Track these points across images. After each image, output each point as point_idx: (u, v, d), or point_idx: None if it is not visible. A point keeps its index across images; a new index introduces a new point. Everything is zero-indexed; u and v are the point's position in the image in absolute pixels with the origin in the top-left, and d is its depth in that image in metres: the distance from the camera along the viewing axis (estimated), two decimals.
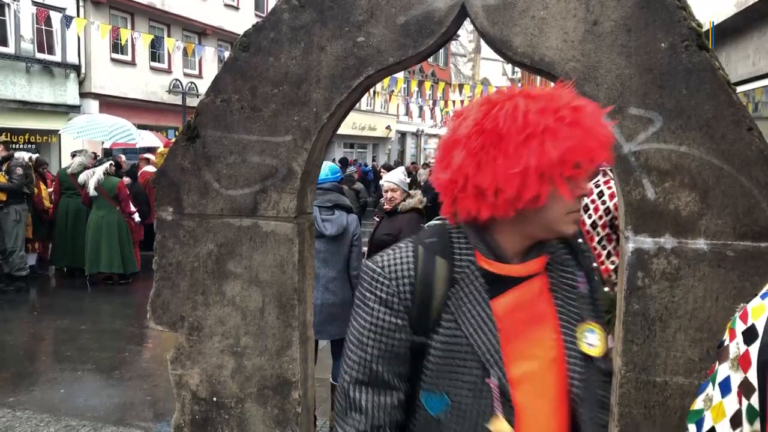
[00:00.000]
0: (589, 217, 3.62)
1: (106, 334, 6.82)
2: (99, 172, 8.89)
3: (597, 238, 3.56)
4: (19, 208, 8.34)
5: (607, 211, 3.55)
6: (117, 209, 9.04)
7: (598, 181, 3.66)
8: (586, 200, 3.52)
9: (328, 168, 4.57)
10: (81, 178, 8.89)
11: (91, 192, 8.76)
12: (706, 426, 1.33)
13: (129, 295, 8.64)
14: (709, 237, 2.42)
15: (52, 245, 9.59)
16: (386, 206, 4.65)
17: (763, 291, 1.30)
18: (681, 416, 2.43)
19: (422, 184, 14.01)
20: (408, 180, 4.80)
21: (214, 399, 2.92)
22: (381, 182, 4.83)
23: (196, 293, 2.89)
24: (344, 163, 18.78)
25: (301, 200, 2.83)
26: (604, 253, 3.55)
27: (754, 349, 1.25)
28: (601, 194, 3.63)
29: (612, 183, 3.55)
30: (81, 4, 17.25)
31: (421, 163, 30.39)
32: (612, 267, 3.55)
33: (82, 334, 6.70)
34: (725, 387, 1.30)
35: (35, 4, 15.42)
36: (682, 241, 2.44)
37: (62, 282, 9.46)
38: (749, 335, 1.27)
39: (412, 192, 4.62)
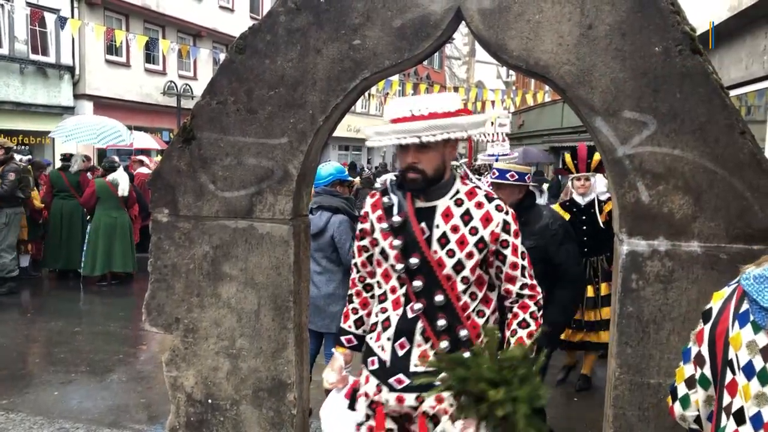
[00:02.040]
0: (450, 255, 2.21)
1: (100, 336, 6.79)
2: (124, 174, 9.12)
3: (462, 287, 2.24)
4: (10, 211, 8.27)
5: (481, 244, 2.22)
6: (125, 211, 9.16)
7: (457, 194, 2.27)
8: (444, 228, 2.23)
9: (332, 168, 4.68)
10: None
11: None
12: (674, 384, 1.65)
13: (123, 297, 8.60)
14: (702, 239, 2.44)
15: (44, 247, 9.54)
16: None
17: (733, 281, 1.51)
18: None
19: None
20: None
21: (209, 401, 2.92)
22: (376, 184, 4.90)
23: (191, 295, 2.89)
24: (353, 167, 18.82)
25: (297, 202, 2.83)
26: (472, 305, 2.28)
27: (707, 327, 1.50)
28: (467, 218, 2.23)
29: (481, 196, 2.28)
30: (75, 5, 17.19)
31: None
32: (481, 321, 2.29)
33: (75, 336, 6.66)
34: (686, 356, 1.59)
35: (29, 5, 15.35)
36: (675, 243, 2.46)
37: (55, 284, 9.41)
38: (706, 315, 1.52)
39: None
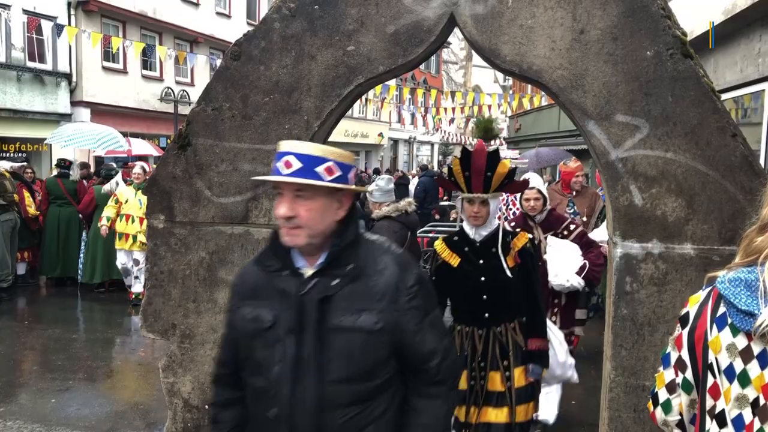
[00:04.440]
0: None
1: (98, 342, 6.79)
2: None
3: None
4: None
5: None
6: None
7: None
8: None
9: None
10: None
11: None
12: (654, 389, 1.61)
13: (120, 304, 8.59)
14: (695, 242, 2.45)
15: (41, 255, 9.52)
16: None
17: (707, 284, 1.49)
18: None
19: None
20: (389, 188, 4.80)
21: (207, 407, 2.91)
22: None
23: (187, 301, 2.89)
24: (377, 172, 18.97)
25: None
26: None
27: (685, 332, 1.47)
28: None
29: None
30: (72, 12, 17.20)
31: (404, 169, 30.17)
32: None
33: (73, 343, 6.65)
34: (666, 361, 1.55)
35: (26, 12, 15.35)
36: (669, 246, 2.47)
37: (52, 291, 9.39)
38: (684, 320, 1.50)
39: (402, 201, 4.65)
